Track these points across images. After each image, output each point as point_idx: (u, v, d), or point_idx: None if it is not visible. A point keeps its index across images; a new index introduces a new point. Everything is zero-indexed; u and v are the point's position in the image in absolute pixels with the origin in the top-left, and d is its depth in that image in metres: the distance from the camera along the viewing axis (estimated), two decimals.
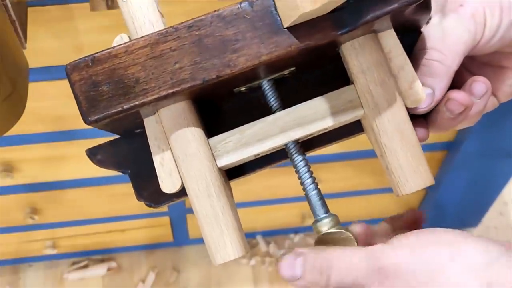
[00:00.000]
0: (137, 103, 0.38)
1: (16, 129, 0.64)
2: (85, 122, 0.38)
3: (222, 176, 0.41)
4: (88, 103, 0.38)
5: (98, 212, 1.21)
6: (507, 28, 0.40)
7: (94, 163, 0.43)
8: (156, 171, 0.40)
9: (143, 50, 0.38)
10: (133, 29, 0.40)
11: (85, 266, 1.38)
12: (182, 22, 0.38)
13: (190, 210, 1.16)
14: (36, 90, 0.74)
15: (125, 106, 0.38)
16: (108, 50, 0.38)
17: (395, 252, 0.35)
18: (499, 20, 0.40)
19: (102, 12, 0.71)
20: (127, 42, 0.38)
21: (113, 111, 0.38)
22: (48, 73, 0.84)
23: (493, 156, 1.13)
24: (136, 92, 0.38)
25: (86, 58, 0.38)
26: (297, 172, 0.41)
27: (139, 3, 0.40)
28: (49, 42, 0.80)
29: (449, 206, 1.28)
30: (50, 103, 0.89)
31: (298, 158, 0.41)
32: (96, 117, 0.38)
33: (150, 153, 0.41)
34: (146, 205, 0.43)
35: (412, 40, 0.42)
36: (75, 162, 1.03)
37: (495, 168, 1.17)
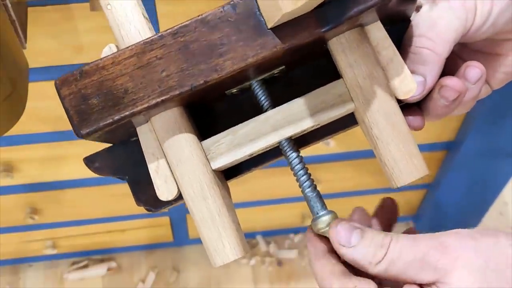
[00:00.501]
0: (127, 113, 0.38)
1: (16, 129, 0.64)
2: (77, 135, 0.38)
3: (218, 178, 0.41)
4: (79, 116, 0.38)
5: (98, 212, 1.21)
6: (498, 14, 0.40)
7: (92, 171, 0.44)
8: (152, 179, 0.41)
9: (129, 60, 0.38)
10: (120, 36, 0.40)
11: (85, 266, 1.38)
12: (167, 29, 0.38)
13: None
14: (36, 90, 0.74)
15: (116, 118, 0.38)
16: (96, 62, 0.38)
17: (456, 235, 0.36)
18: (490, 7, 0.40)
19: (102, 12, 0.71)
20: (114, 53, 0.38)
21: (104, 123, 0.38)
22: (48, 73, 0.84)
23: (493, 156, 1.13)
24: (125, 103, 0.38)
25: (75, 72, 0.38)
26: (292, 169, 0.41)
27: (124, 9, 0.40)
28: (49, 42, 0.80)
29: (449, 206, 1.28)
30: (50, 103, 0.89)
31: (292, 155, 0.41)
32: (87, 130, 0.38)
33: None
34: (146, 209, 0.44)
35: (401, 30, 0.42)
36: (75, 162, 1.03)
37: (495, 168, 1.17)
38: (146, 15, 0.41)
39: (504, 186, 1.23)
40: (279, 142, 0.41)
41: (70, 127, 0.39)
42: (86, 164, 0.44)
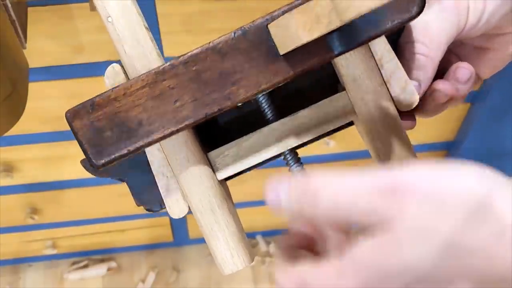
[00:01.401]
0: (142, 144, 0.38)
1: (16, 129, 0.64)
2: (94, 167, 0.39)
3: (223, 186, 0.41)
4: (94, 148, 0.38)
5: (98, 212, 1.21)
6: (492, 12, 0.40)
7: (91, 173, 0.43)
8: (163, 198, 0.41)
9: (142, 91, 0.38)
10: (122, 50, 0.40)
11: (85, 266, 1.38)
12: (178, 57, 0.38)
13: (190, 211, 1.16)
14: (36, 90, 0.74)
15: (131, 149, 0.38)
16: (107, 94, 0.38)
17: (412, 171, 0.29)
18: (483, 6, 0.40)
19: None
20: (125, 83, 0.38)
21: (120, 154, 0.38)
22: (48, 73, 0.84)
23: (493, 156, 1.13)
24: (140, 134, 0.38)
25: (86, 104, 0.38)
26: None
27: (125, 22, 0.40)
28: (49, 42, 0.80)
29: None
30: (50, 103, 0.89)
31: (294, 165, 0.41)
32: (103, 161, 0.38)
33: (146, 159, 0.41)
34: (146, 210, 0.44)
35: (397, 35, 0.42)
36: (75, 162, 1.02)
37: (495, 168, 1.16)
38: (147, 25, 0.41)
39: None
40: (283, 153, 0.41)
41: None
42: (84, 167, 0.44)
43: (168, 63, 0.38)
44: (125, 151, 0.38)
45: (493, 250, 0.28)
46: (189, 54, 0.37)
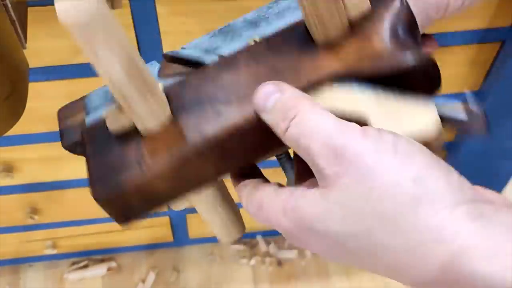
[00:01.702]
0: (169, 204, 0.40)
1: (16, 129, 0.64)
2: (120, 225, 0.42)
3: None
4: (123, 218, 0.43)
5: (98, 212, 1.20)
6: None
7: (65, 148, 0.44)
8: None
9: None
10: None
11: (85, 266, 1.38)
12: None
13: (190, 210, 1.16)
14: (36, 90, 0.74)
15: (158, 210, 0.41)
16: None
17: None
18: None
19: None
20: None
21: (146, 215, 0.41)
22: (48, 73, 0.84)
23: (493, 156, 1.13)
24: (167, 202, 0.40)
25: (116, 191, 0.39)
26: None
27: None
28: (49, 42, 0.80)
29: None
30: (50, 103, 0.89)
31: (289, 170, 0.42)
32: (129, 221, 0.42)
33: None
34: None
35: None
36: (75, 162, 1.02)
37: (495, 168, 1.17)
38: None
39: (504, 186, 1.23)
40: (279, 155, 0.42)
41: None
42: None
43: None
44: (151, 213, 0.42)
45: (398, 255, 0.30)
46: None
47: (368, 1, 0.36)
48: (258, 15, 0.41)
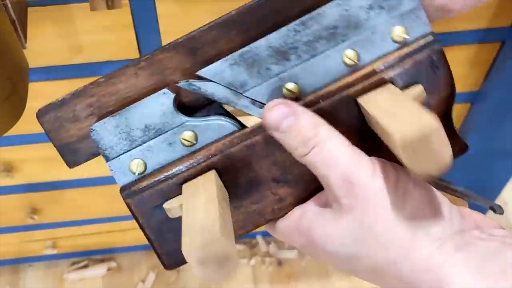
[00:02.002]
0: None
1: (16, 129, 0.64)
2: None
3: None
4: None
5: (98, 212, 1.21)
6: None
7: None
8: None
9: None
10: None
11: (85, 266, 1.38)
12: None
13: None
14: (36, 90, 0.74)
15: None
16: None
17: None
18: None
19: (102, 12, 0.71)
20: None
21: None
22: (48, 73, 0.84)
23: (493, 156, 1.13)
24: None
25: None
26: None
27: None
28: (49, 42, 0.80)
29: None
30: None
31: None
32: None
33: None
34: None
35: None
36: None
37: (495, 168, 1.17)
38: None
39: (504, 186, 1.23)
40: None
41: None
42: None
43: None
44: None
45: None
46: None
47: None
48: (284, 42, 0.37)
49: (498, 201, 1.36)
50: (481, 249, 0.34)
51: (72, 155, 0.40)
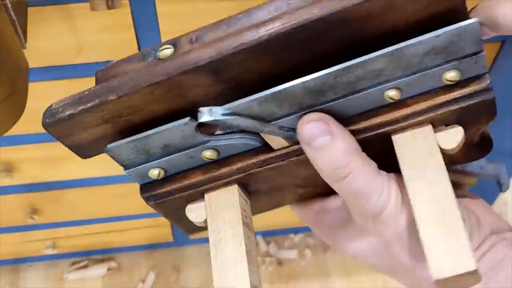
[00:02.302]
0: None
1: (16, 129, 0.64)
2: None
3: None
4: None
5: (98, 212, 1.21)
6: None
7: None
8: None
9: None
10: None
11: (85, 266, 1.38)
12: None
13: None
14: (36, 90, 0.74)
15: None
16: None
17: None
18: None
19: (102, 12, 0.71)
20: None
21: None
22: (48, 73, 0.84)
23: (493, 156, 1.13)
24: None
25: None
26: None
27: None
28: (49, 42, 0.80)
29: None
30: (50, 103, 0.89)
31: None
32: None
33: None
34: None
35: None
36: (75, 162, 1.02)
37: None
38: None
39: None
40: None
41: None
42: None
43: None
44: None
45: None
46: None
47: None
48: (322, 84, 0.33)
49: (498, 201, 1.36)
50: (499, 255, 0.37)
51: (84, 151, 0.40)
